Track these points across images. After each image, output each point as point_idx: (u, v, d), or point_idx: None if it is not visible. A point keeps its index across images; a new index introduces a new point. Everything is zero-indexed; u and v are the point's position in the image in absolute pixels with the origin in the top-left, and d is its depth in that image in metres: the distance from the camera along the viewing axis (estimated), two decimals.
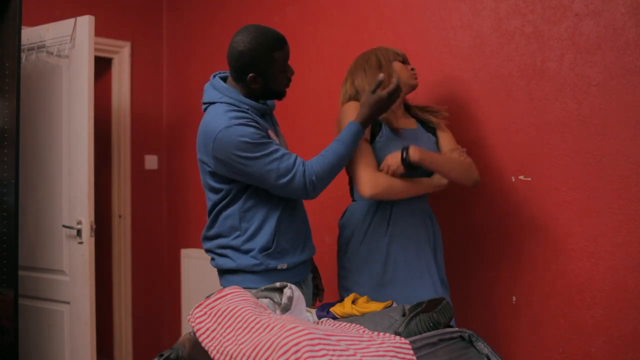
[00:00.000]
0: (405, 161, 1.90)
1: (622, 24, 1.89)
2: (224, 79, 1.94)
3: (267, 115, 1.95)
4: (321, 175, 1.82)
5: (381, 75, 1.87)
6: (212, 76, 1.95)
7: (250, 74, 1.83)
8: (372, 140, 2.00)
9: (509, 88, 2.16)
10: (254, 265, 1.87)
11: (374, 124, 2.01)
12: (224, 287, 1.93)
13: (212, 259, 1.97)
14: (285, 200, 1.91)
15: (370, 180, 1.91)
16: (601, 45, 1.93)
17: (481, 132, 2.25)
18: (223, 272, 1.96)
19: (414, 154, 1.90)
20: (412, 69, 2.06)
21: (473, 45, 2.27)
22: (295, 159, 1.81)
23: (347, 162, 1.90)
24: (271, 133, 1.88)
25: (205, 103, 1.90)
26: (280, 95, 1.93)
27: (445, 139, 2.10)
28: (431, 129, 2.12)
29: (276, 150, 1.79)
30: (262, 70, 1.83)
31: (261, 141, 1.77)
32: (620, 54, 1.89)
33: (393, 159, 1.94)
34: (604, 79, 1.93)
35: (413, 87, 2.07)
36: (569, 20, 2.00)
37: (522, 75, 2.13)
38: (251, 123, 1.78)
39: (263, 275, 1.89)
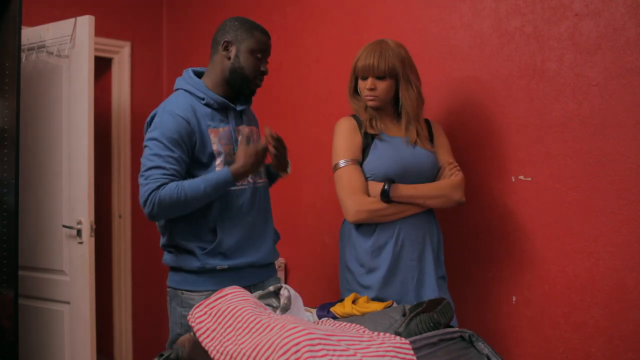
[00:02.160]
0: (385, 193, 1.93)
1: (622, 24, 1.89)
2: (200, 74, 2.01)
3: (229, 111, 1.95)
4: (164, 202, 1.77)
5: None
6: (184, 70, 2.02)
7: (226, 39, 1.91)
8: (365, 151, 2.01)
9: (509, 88, 2.16)
10: (194, 265, 1.88)
11: (366, 136, 2.01)
12: (169, 285, 1.94)
13: (164, 254, 2.00)
14: (232, 200, 1.91)
15: (353, 207, 1.95)
16: (601, 45, 1.93)
17: (481, 132, 2.25)
18: (169, 269, 1.98)
19: (394, 190, 1.93)
20: (369, 89, 1.98)
21: (473, 45, 2.27)
22: (160, 176, 1.78)
23: (198, 205, 1.83)
24: (212, 132, 1.88)
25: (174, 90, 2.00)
26: (248, 83, 1.93)
27: (441, 153, 2.09)
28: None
29: (161, 156, 1.79)
30: (237, 39, 1.90)
31: (165, 142, 1.80)
32: (620, 54, 1.89)
33: (374, 189, 1.96)
34: (604, 79, 1.93)
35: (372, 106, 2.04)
36: (569, 20, 2.00)
37: (522, 75, 2.13)
38: (180, 120, 1.82)
39: (203, 276, 1.89)
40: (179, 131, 1.82)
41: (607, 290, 1.94)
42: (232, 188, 1.90)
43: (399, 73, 1.98)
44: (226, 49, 1.91)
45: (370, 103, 2.01)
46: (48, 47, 2.96)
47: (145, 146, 1.85)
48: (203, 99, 1.90)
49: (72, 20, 2.90)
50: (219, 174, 1.83)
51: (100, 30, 3.24)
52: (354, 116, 2.08)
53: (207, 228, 1.89)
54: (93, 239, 2.87)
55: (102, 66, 3.66)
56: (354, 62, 2.04)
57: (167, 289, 1.96)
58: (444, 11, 2.37)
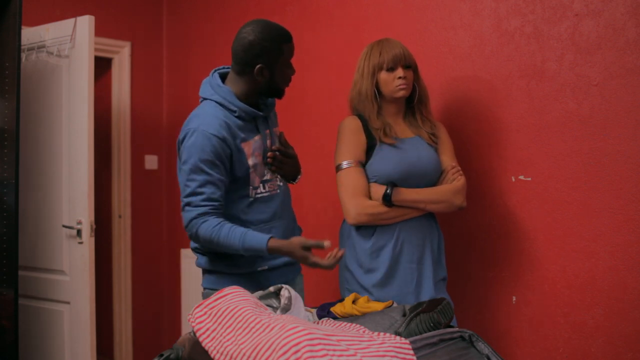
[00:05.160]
0: (387, 197, 1.93)
1: (622, 24, 1.89)
2: (224, 75, 1.94)
3: (259, 119, 1.92)
4: (200, 236, 1.78)
5: (326, 243, 1.71)
6: (212, 71, 1.95)
7: (259, 65, 1.82)
8: (369, 152, 2.00)
9: (509, 88, 2.16)
10: (233, 270, 1.87)
11: (371, 137, 2.00)
12: (204, 287, 1.93)
13: (196, 258, 1.97)
14: (264, 204, 1.91)
15: (354, 209, 1.95)
16: (601, 45, 1.93)
17: (481, 132, 2.25)
18: (204, 272, 1.96)
19: (396, 194, 1.93)
20: (399, 77, 1.98)
21: (473, 45, 2.27)
22: (199, 203, 1.77)
23: (229, 252, 1.82)
24: (246, 146, 1.84)
25: (200, 97, 1.93)
26: (280, 92, 1.93)
27: (444, 155, 2.08)
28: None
29: (197, 181, 1.77)
30: (271, 62, 1.84)
31: (202, 166, 1.77)
32: (620, 54, 1.89)
33: (376, 193, 1.96)
34: (604, 79, 1.93)
35: (399, 98, 2.03)
36: (569, 20, 2.00)
37: (522, 75, 2.13)
38: (216, 141, 1.77)
39: (243, 277, 1.88)
40: (214, 152, 1.77)
41: (607, 290, 1.94)
42: (265, 194, 1.91)
43: (416, 64, 2.05)
44: (262, 73, 1.83)
45: (401, 92, 2.00)
46: (48, 47, 2.95)
47: (181, 170, 1.83)
48: (235, 112, 1.84)
49: (72, 20, 2.90)
50: (259, 240, 1.75)
51: (100, 30, 3.24)
52: (359, 115, 2.07)
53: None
54: (93, 239, 2.87)
55: (102, 66, 3.66)
56: (373, 59, 2.01)
57: (204, 291, 1.93)
58: (444, 11, 2.37)
